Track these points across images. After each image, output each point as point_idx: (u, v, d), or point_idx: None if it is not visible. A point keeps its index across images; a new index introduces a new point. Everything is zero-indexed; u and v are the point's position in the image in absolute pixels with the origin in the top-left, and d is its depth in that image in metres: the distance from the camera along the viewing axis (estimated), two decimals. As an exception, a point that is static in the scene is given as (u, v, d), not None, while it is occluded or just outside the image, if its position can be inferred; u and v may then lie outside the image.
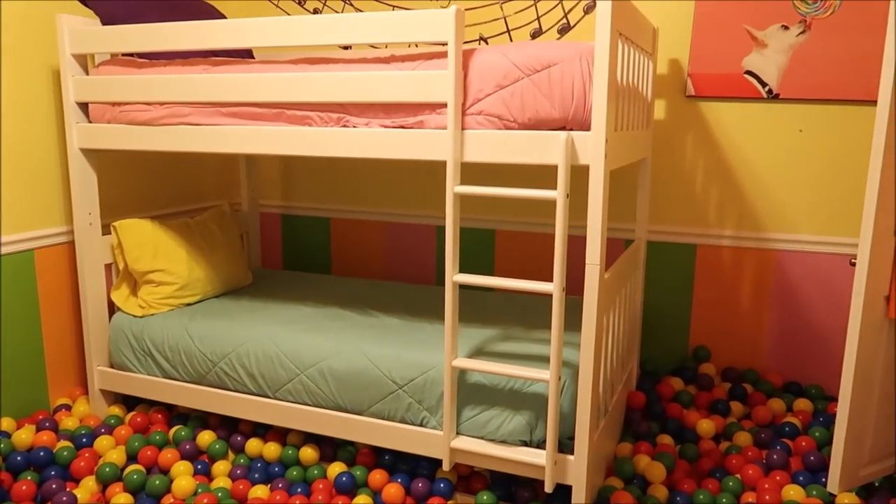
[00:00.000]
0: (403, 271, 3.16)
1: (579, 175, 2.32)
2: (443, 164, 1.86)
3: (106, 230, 2.49)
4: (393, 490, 2.02)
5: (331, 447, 2.29)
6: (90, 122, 2.36)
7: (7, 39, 2.34)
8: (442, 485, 2.05)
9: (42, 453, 2.13)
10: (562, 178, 1.72)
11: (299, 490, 2.08)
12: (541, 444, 1.91)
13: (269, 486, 2.14)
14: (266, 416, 2.24)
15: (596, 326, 1.78)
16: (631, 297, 2.39)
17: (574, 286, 2.69)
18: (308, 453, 2.23)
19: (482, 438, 1.97)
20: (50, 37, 2.45)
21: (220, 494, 2.03)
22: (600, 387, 1.93)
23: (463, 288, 2.81)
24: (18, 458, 2.11)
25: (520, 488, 2.03)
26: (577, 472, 1.85)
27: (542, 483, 2.04)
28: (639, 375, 2.72)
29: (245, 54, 2.76)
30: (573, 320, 2.21)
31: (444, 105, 1.83)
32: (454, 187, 1.83)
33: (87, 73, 2.36)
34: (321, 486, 2.10)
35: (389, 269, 3.19)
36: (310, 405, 2.18)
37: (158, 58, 2.32)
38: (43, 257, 2.51)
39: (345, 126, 1.97)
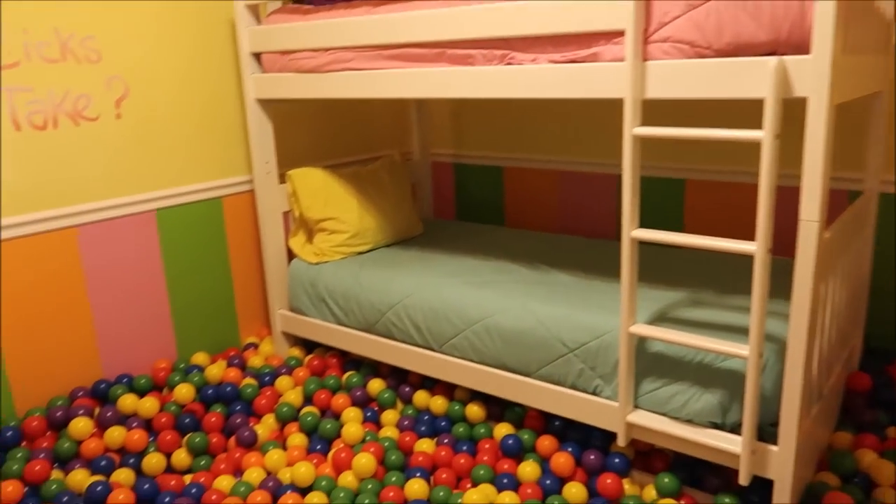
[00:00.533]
0: (580, 224, 2.93)
1: (792, 110, 1.93)
2: (622, 103, 1.60)
3: (283, 179, 2.54)
4: (562, 460, 1.87)
5: (498, 406, 2.19)
6: (264, 72, 2.38)
7: (190, -7, 2.41)
8: (617, 460, 1.86)
9: (229, 388, 2.26)
10: (770, 114, 1.39)
11: (465, 448, 2.01)
12: (735, 429, 1.65)
13: (434, 440, 2.09)
14: (431, 369, 2.18)
15: (811, 295, 1.46)
16: (856, 261, 1.97)
17: (782, 247, 2.30)
18: (474, 411, 2.15)
19: (664, 415, 1.75)
20: (228, -12, 2.49)
21: (386, 444, 2.01)
22: (814, 366, 1.61)
23: (648, 245, 2.54)
24: (210, 392, 2.26)
25: (708, 474, 1.79)
26: (782, 464, 1.57)
27: (735, 471, 1.78)
28: (863, 354, 2.29)
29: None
30: (779, 286, 1.86)
31: (622, 33, 1.55)
32: (633, 129, 1.57)
33: (259, 24, 2.37)
34: (487, 445, 2.01)
35: (565, 222, 2.98)
36: (475, 362, 2.08)
37: (324, 3, 2.26)
38: (231, 204, 2.63)
39: (509, 64, 1.77)
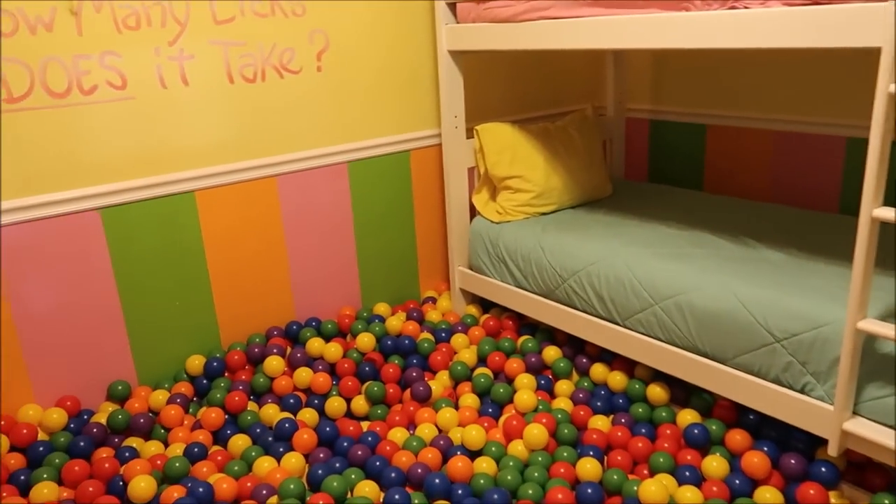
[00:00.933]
0: (795, 193, 2.58)
1: None
2: (868, 53, 1.32)
3: (470, 134, 2.49)
4: (756, 459, 1.67)
5: (683, 390, 2.01)
6: (458, 22, 2.31)
7: (389, -57, 2.39)
8: (824, 469, 1.63)
9: (407, 342, 2.30)
10: None
11: (643, 431, 1.88)
12: None
13: (610, 418, 1.98)
14: (613, 343, 2.05)
15: None
16: None
17: None
18: (656, 392, 1.99)
19: (890, 427, 1.48)
20: (426, -64, 2.44)
21: (559, 416, 1.93)
22: None
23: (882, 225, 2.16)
24: (389, 343, 2.31)
25: (942, 503, 1.51)
26: None
27: (980, 504, 1.48)
28: None
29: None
30: None
31: (889, -35, 1.27)
32: (889, 86, 1.29)
33: (456, -29, 2.30)
34: (668, 431, 1.87)
35: (777, 189, 2.64)
36: (662, 341, 1.91)
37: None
38: (417, 158, 2.65)
39: (733, 7, 1.53)
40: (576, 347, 2.28)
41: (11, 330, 1.93)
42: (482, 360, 2.29)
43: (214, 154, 2.19)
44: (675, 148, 2.92)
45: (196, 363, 2.20)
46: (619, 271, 2.00)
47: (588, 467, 1.72)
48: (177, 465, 1.76)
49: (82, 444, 1.85)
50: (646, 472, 1.76)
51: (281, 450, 1.86)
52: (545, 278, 2.23)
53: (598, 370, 2.15)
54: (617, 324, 2.03)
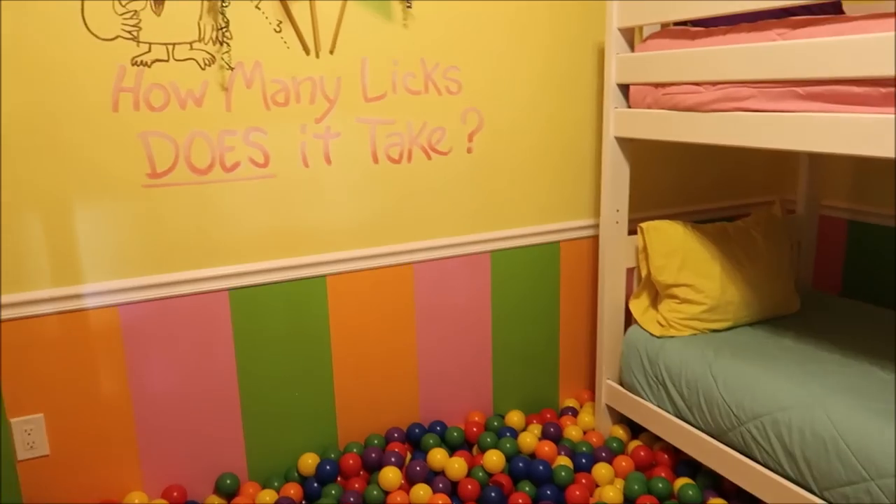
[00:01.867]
0: None
1: None
2: None
3: (633, 229, 2.18)
4: None
5: None
6: (629, 106, 2.04)
7: (555, 11, 2.18)
8: None
9: (541, 467, 1.98)
10: None
11: None
12: None
13: None
14: (804, 514, 1.62)
15: None
16: None
17: None
18: (863, 590, 1.53)
19: None
20: (600, 10, 2.20)
21: None
22: None
23: None
24: (520, 465, 2.01)
25: None
26: None
27: None
28: None
29: (831, 9, 2.04)
30: None
31: None
32: None
33: (633, 50, 2.04)
34: None
35: None
36: (878, 527, 1.47)
37: (721, 23, 1.82)
38: (568, 250, 2.37)
39: None
40: (749, 504, 1.86)
41: (128, 410, 1.84)
42: (629, 503, 1.92)
43: (350, 237, 2.03)
44: (879, 256, 2.43)
45: (309, 462, 2.02)
46: (820, 427, 1.59)
47: None
48: None
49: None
50: None
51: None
52: (715, 415, 1.84)
53: (780, 542, 1.71)
54: (812, 492, 1.60)
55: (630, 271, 2.23)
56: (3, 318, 1.67)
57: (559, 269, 2.37)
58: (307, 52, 1.87)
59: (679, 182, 2.52)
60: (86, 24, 1.62)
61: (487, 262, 2.25)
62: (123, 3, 1.65)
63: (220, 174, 1.83)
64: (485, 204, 2.21)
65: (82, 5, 1.61)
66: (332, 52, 1.90)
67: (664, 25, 2.08)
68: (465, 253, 2.21)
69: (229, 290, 1.91)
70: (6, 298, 1.67)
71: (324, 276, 2.02)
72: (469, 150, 2.15)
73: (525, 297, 2.34)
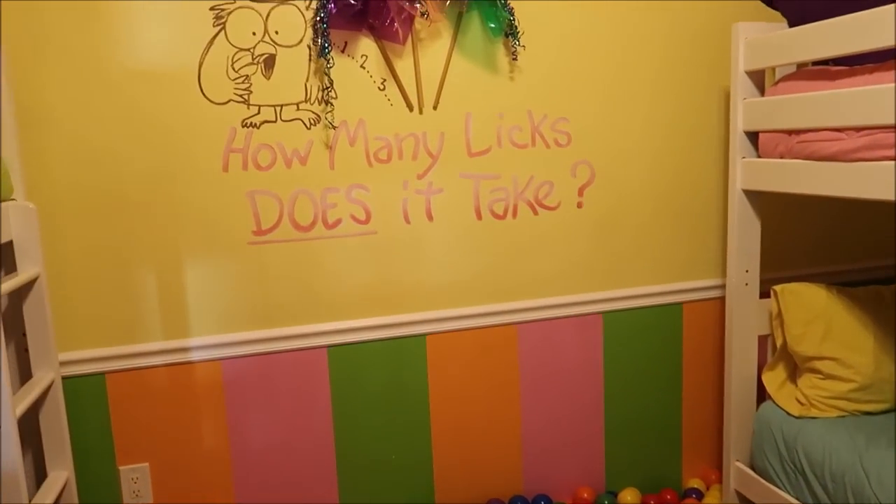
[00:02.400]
0: None
1: None
2: None
3: (765, 292, 1.94)
4: None
5: None
6: (759, 156, 1.83)
7: (672, 54, 2.03)
8: None
9: (657, 556, 1.77)
10: None
11: None
12: None
13: None
14: None
15: None
16: None
17: None
18: None
19: None
20: (724, 50, 2.03)
21: None
22: None
23: None
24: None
25: None
26: None
27: None
28: None
29: None
30: None
31: None
32: None
33: (762, 94, 1.85)
34: None
35: None
36: None
37: (867, 61, 1.60)
38: (692, 313, 2.16)
39: None
40: None
41: (227, 461, 1.86)
42: None
43: (452, 295, 1.96)
44: None
45: (403, 530, 1.93)
46: None
47: None
48: None
49: None
50: None
51: None
52: (869, 516, 1.55)
53: None
54: None
55: (763, 339, 1.98)
56: (115, 369, 1.75)
57: (682, 334, 2.16)
58: (410, 108, 1.86)
59: (820, 238, 2.23)
60: (202, 89, 1.71)
61: (600, 323, 2.09)
62: (236, 68, 1.72)
63: (322, 231, 1.84)
64: (597, 261, 2.06)
65: (199, 72, 1.70)
66: (435, 107, 1.87)
67: (800, 66, 1.87)
68: (575, 314, 2.07)
69: (328, 346, 1.89)
70: (118, 350, 1.74)
71: (424, 334, 1.96)
72: (579, 205, 2.03)
73: (643, 364, 2.14)
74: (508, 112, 1.93)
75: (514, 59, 1.90)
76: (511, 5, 1.84)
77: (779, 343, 1.91)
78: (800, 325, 1.83)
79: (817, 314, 1.82)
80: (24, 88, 1.59)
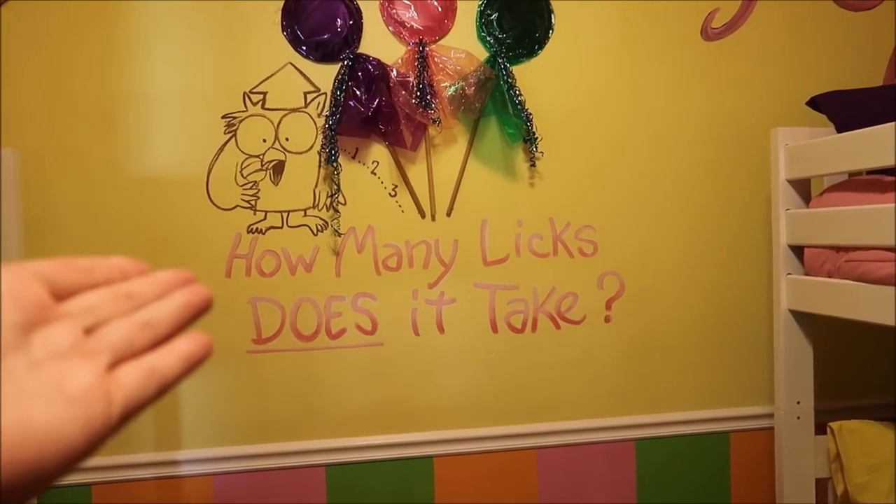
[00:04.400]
0: None
1: None
2: None
3: (821, 428, 1.69)
4: None
5: None
6: (806, 273, 1.64)
7: (710, 159, 1.89)
8: None
9: None
10: None
11: None
12: None
13: None
14: None
15: None
16: None
17: None
18: None
19: None
20: (765, 156, 1.87)
21: None
22: None
23: None
24: None
25: None
26: None
27: None
28: None
29: None
30: None
31: None
32: None
33: (807, 205, 1.67)
34: None
35: None
36: None
37: (918, 173, 1.42)
38: (740, 443, 1.91)
39: None
40: None
41: (213, 591, 1.72)
42: None
43: (463, 414, 1.81)
44: None
45: None
46: None
47: None
48: None
49: None
50: None
51: None
52: None
53: None
54: None
55: (821, 482, 1.71)
56: (102, 480, 1.67)
57: (729, 468, 1.91)
58: (423, 215, 1.78)
59: (883, 363, 1.96)
60: (209, 195, 1.70)
61: (632, 451, 1.87)
62: (245, 174, 1.70)
63: (324, 341, 1.75)
64: (628, 382, 1.87)
65: (208, 179, 1.69)
66: (449, 214, 1.79)
67: (852, 174, 1.69)
68: (603, 440, 1.86)
69: (326, 465, 1.76)
70: (107, 460, 1.67)
71: (431, 456, 1.80)
72: (607, 319, 1.86)
73: (684, 498, 1.89)
74: (528, 219, 1.82)
75: (533, 165, 1.81)
76: (529, 111, 1.77)
77: (839, 490, 1.64)
78: (863, 472, 1.56)
79: (884, 460, 1.56)
80: (33, 194, 1.62)
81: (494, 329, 1.82)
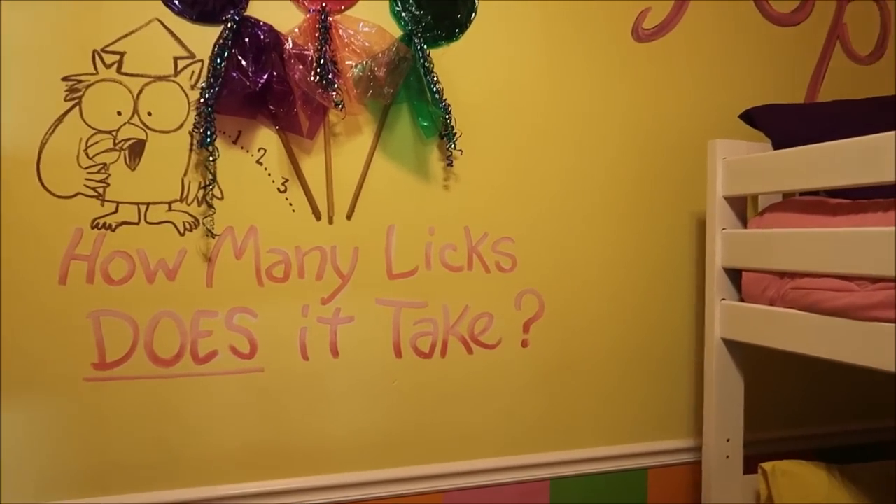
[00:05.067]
0: None
1: None
2: None
3: (751, 467, 1.56)
4: None
5: None
6: (742, 300, 1.50)
7: (640, 172, 1.73)
8: None
9: None
10: None
11: None
12: None
13: None
14: None
15: None
16: None
17: None
18: None
19: None
20: (701, 171, 1.73)
21: None
22: None
23: None
24: None
25: None
26: None
27: None
28: None
29: None
30: None
31: None
32: None
33: (744, 225, 1.54)
34: None
35: None
36: None
37: (874, 195, 1.30)
38: (659, 480, 1.76)
39: None
40: None
41: None
42: None
43: (360, 455, 1.54)
44: None
45: None
46: None
47: None
48: None
49: None
50: None
51: None
52: None
53: None
54: None
55: (752, 526, 1.58)
56: None
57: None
58: (318, 216, 1.49)
59: (811, 393, 1.88)
60: (40, 178, 1.32)
61: (546, 492, 1.67)
62: (91, 154, 1.34)
63: (189, 366, 1.42)
64: (545, 414, 1.67)
65: (39, 156, 1.31)
66: (349, 217, 1.51)
67: (787, 195, 1.58)
68: (517, 480, 1.64)
69: (191, 521, 1.42)
70: None
71: (323, 505, 1.51)
72: (524, 344, 1.65)
73: (598, 543, 1.72)
74: (441, 227, 1.58)
75: (450, 165, 1.57)
76: (447, 101, 1.53)
77: (770, 536, 1.51)
78: (796, 516, 1.44)
79: (818, 501, 1.44)
80: None
81: (398, 353, 1.56)
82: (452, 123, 1.54)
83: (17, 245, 1.31)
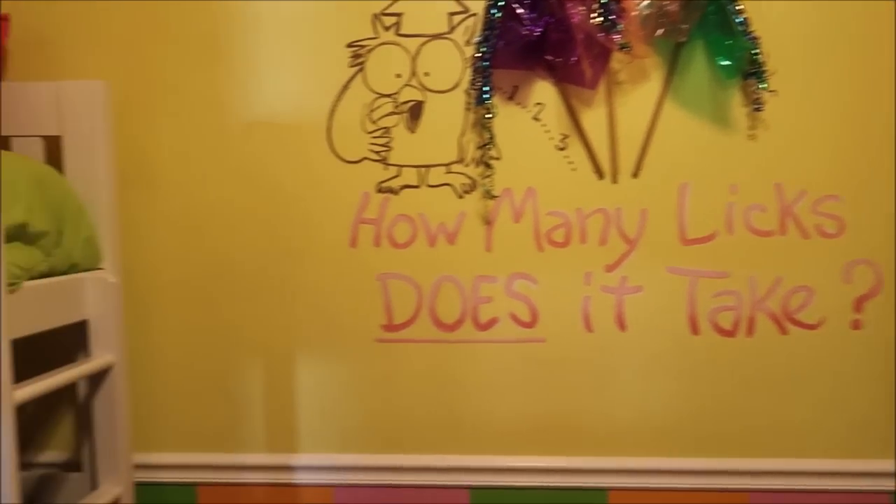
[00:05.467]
0: None
1: None
2: None
3: None
4: None
5: None
6: None
7: None
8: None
9: None
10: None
11: None
12: None
13: None
14: None
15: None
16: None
17: None
18: None
19: None
20: None
21: None
22: None
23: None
24: None
25: None
26: None
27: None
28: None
29: None
30: None
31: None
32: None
33: None
34: None
35: None
36: None
37: None
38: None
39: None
40: None
41: None
42: None
43: (650, 439, 1.38)
44: None
45: None
46: None
47: None
48: None
49: None
50: None
51: None
52: None
53: None
54: None
55: None
56: (207, 480, 1.43)
57: None
58: (601, 175, 1.36)
59: None
60: (331, 145, 1.38)
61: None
62: (374, 119, 1.37)
63: (470, 332, 1.38)
64: (880, 413, 1.34)
65: (329, 124, 1.37)
66: (635, 175, 1.35)
67: None
68: (851, 488, 1.35)
69: (470, 488, 1.40)
70: (213, 458, 1.42)
71: (605, 489, 1.39)
72: (855, 325, 1.34)
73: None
74: (745, 184, 1.34)
75: (758, 110, 1.32)
76: (755, 33, 1.28)
77: None
78: None
79: None
80: (130, 139, 1.38)
81: (695, 330, 1.36)
82: (762, 59, 1.29)
83: (314, 210, 1.39)
